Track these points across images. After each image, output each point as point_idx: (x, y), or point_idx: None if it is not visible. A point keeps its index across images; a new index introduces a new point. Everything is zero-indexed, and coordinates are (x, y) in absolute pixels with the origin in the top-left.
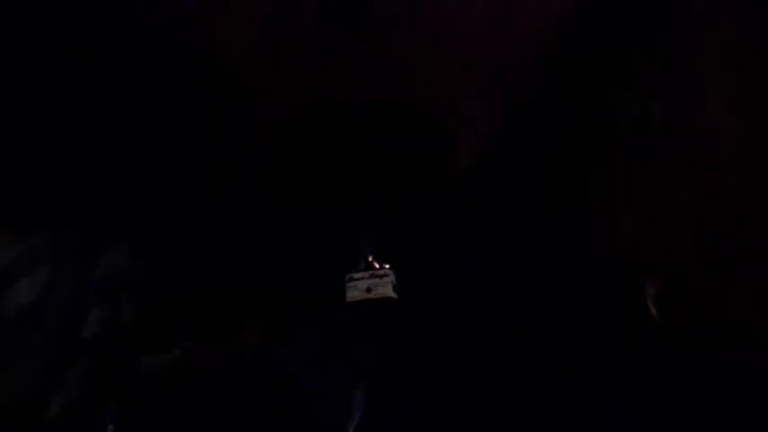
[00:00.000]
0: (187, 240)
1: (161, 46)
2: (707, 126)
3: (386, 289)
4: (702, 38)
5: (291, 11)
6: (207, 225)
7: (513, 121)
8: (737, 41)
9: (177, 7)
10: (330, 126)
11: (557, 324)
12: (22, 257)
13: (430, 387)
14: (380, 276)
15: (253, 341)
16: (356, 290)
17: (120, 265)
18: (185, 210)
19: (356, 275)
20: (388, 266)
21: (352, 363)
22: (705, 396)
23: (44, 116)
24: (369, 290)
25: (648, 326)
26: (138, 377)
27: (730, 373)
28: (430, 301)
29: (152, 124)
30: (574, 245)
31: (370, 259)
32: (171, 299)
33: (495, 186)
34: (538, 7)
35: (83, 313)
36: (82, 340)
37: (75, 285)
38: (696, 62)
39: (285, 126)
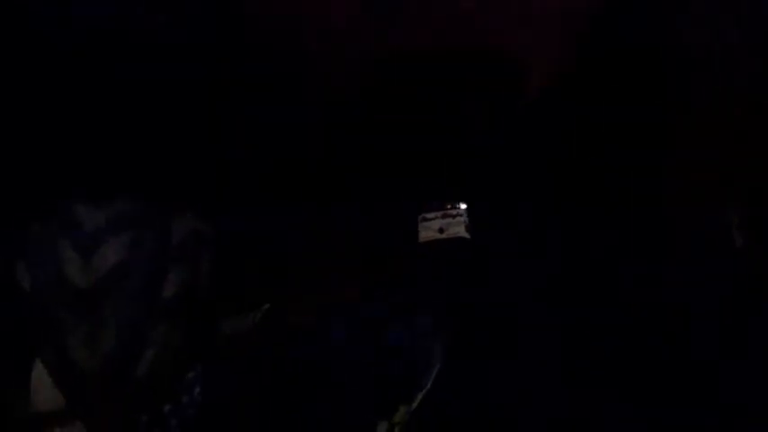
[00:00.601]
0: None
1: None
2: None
3: (459, 228)
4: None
5: None
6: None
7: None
8: None
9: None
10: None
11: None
12: (109, 221)
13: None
14: (453, 216)
15: (372, 281)
16: (429, 230)
17: (199, 229)
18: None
19: (429, 215)
20: (461, 206)
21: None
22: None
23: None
24: (441, 230)
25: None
26: (222, 338)
27: None
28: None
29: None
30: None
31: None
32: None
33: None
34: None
35: (163, 274)
36: (163, 300)
37: (157, 247)
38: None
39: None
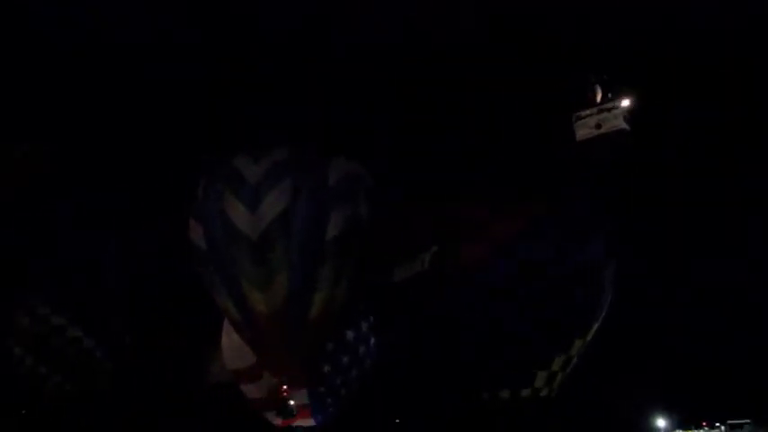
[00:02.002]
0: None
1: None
2: None
3: (617, 121)
4: None
5: None
6: None
7: None
8: None
9: None
10: None
11: None
12: (269, 172)
13: None
14: (609, 109)
15: (540, 210)
16: (585, 128)
17: (354, 171)
18: None
19: (583, 113)
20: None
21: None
22: None
23: None
24: (599, 125)
25: None
26: (392, 285)
27: None
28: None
29: None
30: None
31: (598, 93)
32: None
33: None
34: None
35: (325, 216)
36: (328, 241)
37: (315, 191)
38: None
39: None
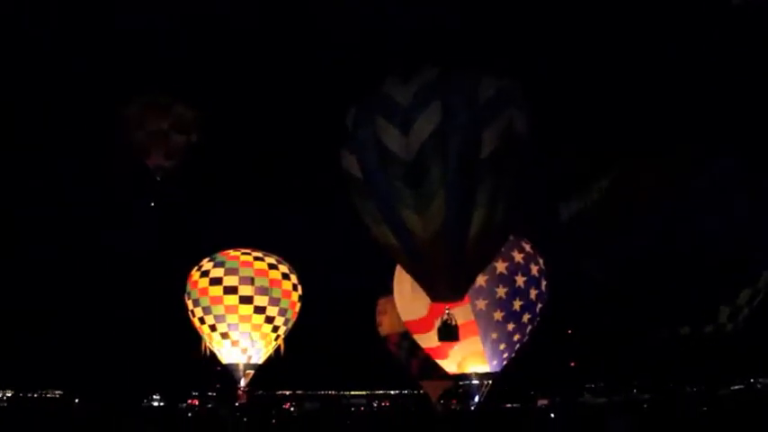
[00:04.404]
0: None
1: None
2: None
3: None
4: None
5: None
6: None
7: None
8: None
9: None
10: None
11: None
12: (417, 96)
13: None
14: None
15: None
16: None
17: (504, 86)
18: None
19: None
20: None
21: None
22: None
23: None
24: None
25: None
26: (559, 224)
27: None
28: None
29: None
30: None
31: None
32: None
33: None
34: None
35: (478, 134)
36: (483, 160)
37: (466, 110)
38: None
39: None
